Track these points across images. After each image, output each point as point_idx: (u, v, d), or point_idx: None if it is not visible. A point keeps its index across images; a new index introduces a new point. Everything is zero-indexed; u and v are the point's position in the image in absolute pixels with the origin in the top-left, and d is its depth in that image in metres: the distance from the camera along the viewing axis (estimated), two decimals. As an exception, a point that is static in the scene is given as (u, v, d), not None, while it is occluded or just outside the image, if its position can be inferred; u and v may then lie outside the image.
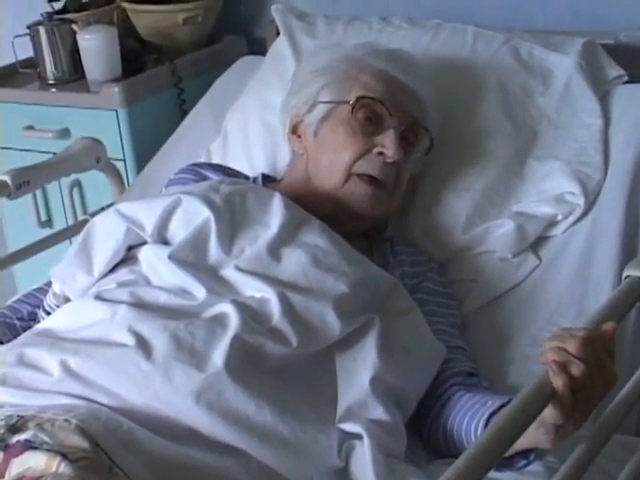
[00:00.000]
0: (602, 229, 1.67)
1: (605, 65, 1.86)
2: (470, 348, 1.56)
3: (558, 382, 1.06)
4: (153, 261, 1.43)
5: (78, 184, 2.31)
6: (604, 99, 1.82)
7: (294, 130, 1.71)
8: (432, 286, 1.61)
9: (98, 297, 1.38)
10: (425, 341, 1.44)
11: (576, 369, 1.07)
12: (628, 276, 1.23)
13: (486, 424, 1.28)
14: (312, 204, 1.57)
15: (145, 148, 2.30)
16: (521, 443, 1.12)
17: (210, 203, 1.45)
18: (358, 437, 1.27)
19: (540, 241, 1.71)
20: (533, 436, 1.13)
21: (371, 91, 1.63)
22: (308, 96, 1.69)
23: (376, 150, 1.60)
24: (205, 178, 1.70)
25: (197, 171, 1.74)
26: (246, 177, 1.76)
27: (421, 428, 1.45)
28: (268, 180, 1.75)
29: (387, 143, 1.59)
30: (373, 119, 1.62)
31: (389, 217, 1.73)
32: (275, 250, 1.42)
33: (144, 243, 1.47)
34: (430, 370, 1.43)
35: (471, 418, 1.34)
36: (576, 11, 2.19)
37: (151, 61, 2.48)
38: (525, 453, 1.23)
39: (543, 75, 1.84)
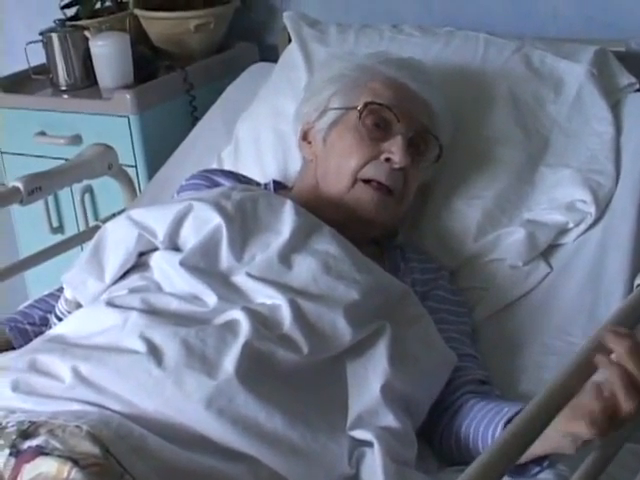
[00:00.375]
0: (613, 237, 1.67)
1: (617, 73, 1.86)
2: (481, 356, 1.56)
3: (614, 376, 1.05)
4: (164, 267, 1.43)
5: (90, 190, 2.32)
6: (616, 107, 1.83)
7: (305, 136, 1.72)
8: (443, 294, 1.61)
9: (109, 303, 1.38)
10: (436, 349, 1.43)
11: (628, 404, 1.05)
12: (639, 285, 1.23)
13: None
14: (320, 210, 1.57)
15: (157, 154, 2.31)
16: (542, 447, 1.14)
17: (221, 210, 1.45)
18: (369, 444, 1.26)
19: (551, 249, 1.71)
20: (557, 442, 1.13)
21: (380, 97, 1.64)
22: (319, 103, 1.70)
23: (383, 156, 1.60)
24: (217, 184, 1.70)
25: (209, 177, 1.74)
26: (257, 184, 1.77)
27: (432, 436, 1.45)
28: (279, 187, 1.76)
29: (394, 149, 1.59)
30: (381, 125, 1.63)
31: (398, 224, 1.73)
32: (286, 257, 1.42)
33: (155, 249, 1.48)
34: (441, 378, 1.43)
35: (487, 425, 1.34)
36: (588, 19, 2.18)
37: (163, 68, 2.48)
38: (539, 460, 1.23)
39: (554, 83, 1.84)
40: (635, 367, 1.06)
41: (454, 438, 1.41)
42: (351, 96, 1.66)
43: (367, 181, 1.60)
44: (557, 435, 1.11)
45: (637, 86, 1.85)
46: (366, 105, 1.63)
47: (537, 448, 1.13)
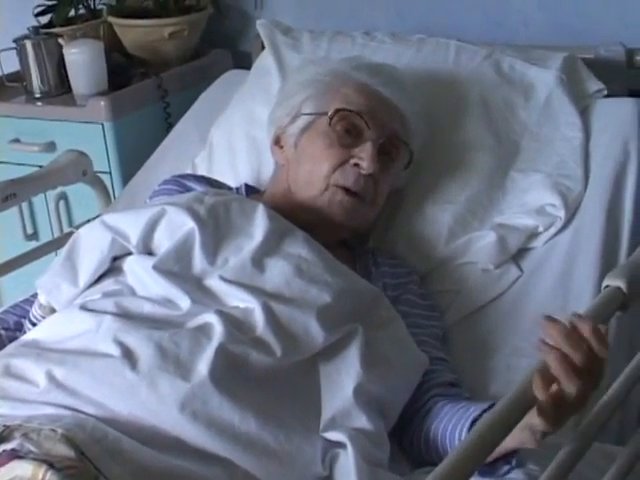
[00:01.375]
0: (583, 241, 1.69)
1: (585, 79, 1.88)
2: (452, 358, 1.57)
3: (550, 359, 1.05)
4: (138, 272, 1.44)
5: (64, 197, 2.31)
6: (585, 113, 1.85)
7: (277, 141, 1.73)
8: (413, 298, 1.62)
9: (83, 308, 1.39)
10: (407, 351, 1.45)
11: (579, 356, 1.06)
12: (608, 286, 1.24)
13: (470, 429, 1.29)
14: (292, 214, 1.58)
15: (131, 161, 2.31)
16: (506, 443, 1.12)
17: (194, 214, 1.46)
18: (342, 446, 1.27)
19: (522, 252, 1.72)
20: (518, 436, 1.14)
21: (351, 104, 1.65)
22: (291, 107, 1.71)
23: (352, 161, 1.61)
24: (189, 189, 1.71)
25: (181, 182, 1.75)
26: (230, 188, 1.78)
27: (403, 438, 1.46)
28: (252, 191, 1.77)
29: (363, 155, 1.61)
30: (352, 131, 1.64)
31: (370, 228, 1.74)
32: (259, 260, 1.44)
33: (129, 254, 1.48)
34: (412, 379, 1.44)
35: (455, 425, 1.36)
36: (557, 26, 2.22)
37: (137, 75, 2.49)
38: (507, 458, 1.24)
39: (524, 89, 1.86)
40: (571, 349, 1.06)
41: (424, 440, 1.42)
42: (323, 101, 1.67)
43: (338, 186, 1.62)
44: (518, 429, 1.12)
45: (605, 92, 1.87)
46: (337, 111, 1.64)
47: (503, 444, 1.14)
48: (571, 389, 1.06)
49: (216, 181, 1.81)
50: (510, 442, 1.15)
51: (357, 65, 1.74)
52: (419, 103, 1.75)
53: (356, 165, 1.61)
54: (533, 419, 1.09)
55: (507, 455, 1.23)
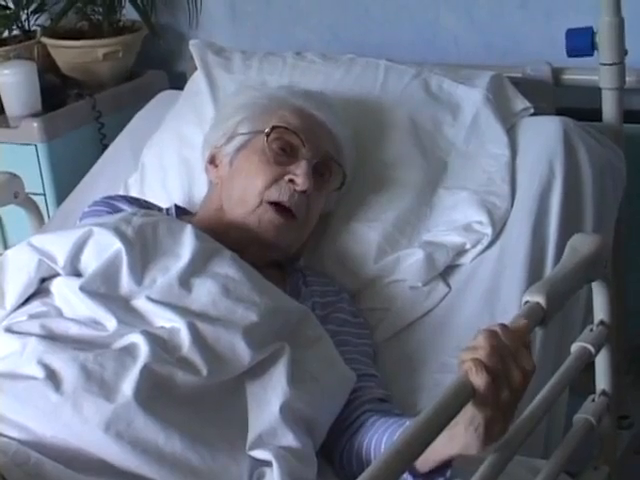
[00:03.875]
0: (509, 257, 1.71)
1: (512, 98, 1.91)
2: (383, 375, 1.58)
3: (477, 379, 1.06)
4: (65, 293, 1.44)
5: (-3, 218, 2.30)
6: (511, 131, 1.87)
7: (212, 160, 1.74)
8: (343, 316, 1.63)
9: (8, 330, 1.38)
10: (335, 368, 1.45)
11: (482, 353, 1.08)
12: (528, 301, 1.26)
13: None
14: (223, 233, 1.59)
15: (66, 182, 2.30)
16: (450, 447, 1.14)
17: (121, 235, 1.47)
18: (268, 464, 1.28)
19: (449, 269, 1.74)
20: (464, 438, 1.13)
21: (287, 123, 1.67)
22: (227, 128, 1.72)
23: (287, 177, 1.63)
24: (119, 210, 1.70)
25: (111, 203, 1.74)
26: (160, 209, 1.78)
27: (333, 455, 1.46)
28: (182, 212, 1.77)
29: (298, 172, 1.62)
30: (287, 150, 1.66)
31: (300, 248, 1.75)
32: (186, 280, 1.44)
33: (57, 275, 1.48)
34: (340, 397, 1.45)
35: (389, 437, 1.36)
36: (487, 46, 2.26)
37: (72, 96, 2.49)
38: (442, 470, 1.24)
39: (452, 107, 1.89)
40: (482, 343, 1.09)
41: (355, 455, 1.42)
42: (260, 121, 1.69)
43: (271, 204, 1.62)
44: (463, 430, 1.12)
45: (532, 110, 1.90)
46: (274, 128, 1.66)
47: (445, 449, 1.15)
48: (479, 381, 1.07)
49: (146, 202, 1.81)
50: (454, 445, 1.15)
51: (293, 91, 1.78)
52: (350, 128, 1.77)
53: (291, 181, 1.63)
54: (470, 412, 1.09)
55: (443, 466, 1.24)
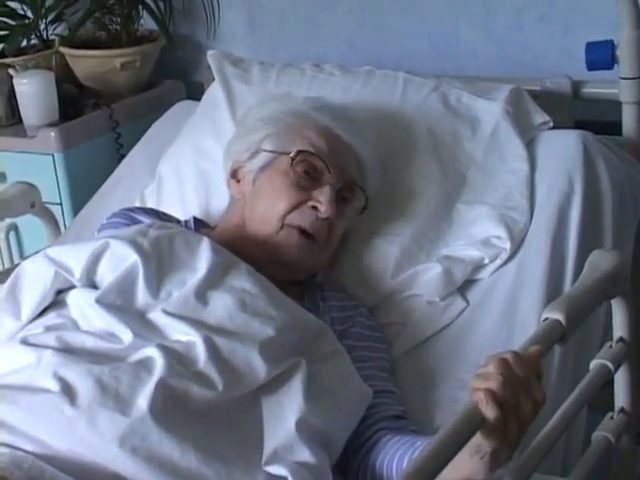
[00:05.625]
0: (528, 272, 1.70)
1: (531, 111, 1.90)
2: (399, 390, 1.57)
3: (488, 411, 1.07)
4: (81, 305, 1.43)
5: (14, 228, 2.30)
6: (530, 144, 1.86)
7: (234, 174, 1.73)
8: (361, 331, 1.62)
9: (24, 342, 1.38)
10: (351, 384, 1.45)
11: (494, 384, 1.08)
12: (547, 318, 1.25)
13: None
14: (244, 249, 1.59)
15: (82, 192, 2.30)
16: (454, 474, 1.13)
17: (138, 247, 1.46)
18: (283, 480, 1.27)
19: (467, 284, 1.73)
20: (469, 465, 1.14)
21: (313, 146, 1.66)
22: (251, 143, 1.71)
23: (310, 203, 1.62)
24: (137, 222, 1.70)
25: (129, 215, 1.74)
26: (178, 221, 1.77)
27: (348, 472, 1.46)
28: (201, 225, 1.76)
29: (322, 199, 1.62)
30: (311, 173, 1.65)
31: (320, 269, 1.74)
32: (202, 294, 1.43)
33: (73, 287, 1.47)
34: (356, 413, 1.44)
35: (400, 458, 1.36)
36: (505, 58, 2.25)
37: (89, 106, 2.49)
38: None
39: (471, 121, 1.88)
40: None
41: (369, 474, 1.42)
42: (284, 141, 1.68)
43: (293, 226, 1.62)
44: (468, 457, 1.12)
45: (551, 124, 1.89)
46: (299, 152, 1.65)
47: (450, 475, 1.14)
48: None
49: (165, 214, 1.80)
50: (461, 474, 1.15)
51: (319, 107, 1.75)
52: (376, 147, 1.76)
53: (314, 208, 1.62)
54: (476, 441, 1.09)
55: None
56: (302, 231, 1.62)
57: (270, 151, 1.68)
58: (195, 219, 1.76)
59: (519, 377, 1.10)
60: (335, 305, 1.65)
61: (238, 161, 1.73)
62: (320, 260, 1.68)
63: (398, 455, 1.37)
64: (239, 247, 1.59)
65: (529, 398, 1.11)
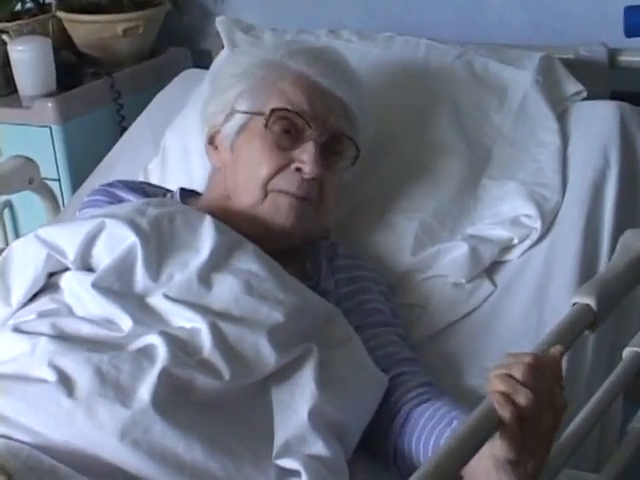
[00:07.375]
0: (560, 254, 1.69)
1: (564, 81, 1.88)
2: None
3: (505, 413, 1.07)
4: (76, 289, 1.42)
5: (9, 205, 2.30)
6: (562, 116, 1.85)
7: (211, 141, 1.68)
8: (376, 287, 1.61)
9: (17, 329, 1.37)
10: (365, 371, 1.43)
11: (523, 398, 1.08)
12: (576, 303, 1.24)
13: None
14: (232, 222, 1.54)
15: (82, 167, 2.30)
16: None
17: (136, 227, 1.44)
18: (296, 474, 1.26)
19: (495, 266, 1.72)
20: (484, 465, 1.13)
21: (289, 102, 1.60)
22: (225, 104, 1.66)
23: (294, 165, 1.58)
24: (119, 199, 1.68)
25: (110, 192, 1.72)
26: (165, 193, 1.74)
27: (385, 455, 1.44)
28: (186, 195, 1.72)
29: (305, 158, 1.57)
30: (291, 131, 1.59)
31: (322, 232, 1.70)
32: (206, 277, 1.41)
33: (66, 269, 1.46)
34: (372, 401, 1.43)
35: (438, 437, 1.35)
36: (536, 25, 2.23)
37: (88, 75, 2.49)
38: None
39: (498, 91, 1.86)
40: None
41: (407, 452, 1.41)
42: (258, 98, 1.62)
43: (279, 192, 1.58)
44: (493, 470, 1.13)
45: (585, 94, 1.87)
46: (273, 111, 1.60)
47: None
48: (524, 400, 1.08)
49: (150, 185, 1.79)
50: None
51: (293, 51, 1.68)
52: (363, 89, 1.70)
53: (298, 169, 1.58)
54: (496, 448, 1.09)
55: None
56: (290, 194, 1.58)
57: (244, 112, 1.63)
58: (182, 190, 1.73)
59: (542, 387, 1.10)
60: (341, 264, 1.63)
61: (214, 126, 1.67)
62: (317, 222, 1.63)
63: (435, 434, 1.36)
64: (225, 220, 1.53)
65: (550, 407, 1.11)
